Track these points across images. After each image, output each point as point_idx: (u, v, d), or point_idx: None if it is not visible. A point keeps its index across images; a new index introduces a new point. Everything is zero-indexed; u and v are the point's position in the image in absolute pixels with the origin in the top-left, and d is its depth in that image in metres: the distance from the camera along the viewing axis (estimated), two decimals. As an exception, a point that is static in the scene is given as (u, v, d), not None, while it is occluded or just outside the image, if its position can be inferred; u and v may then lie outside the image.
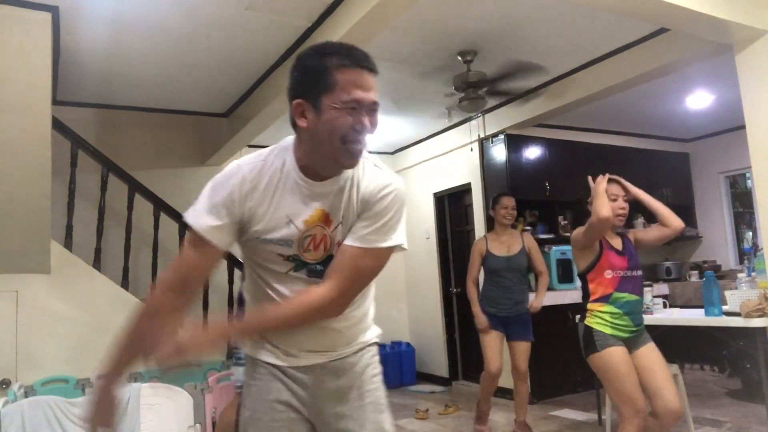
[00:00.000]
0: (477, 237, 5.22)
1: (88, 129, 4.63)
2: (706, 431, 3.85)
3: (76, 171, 4.15)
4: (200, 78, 4.25)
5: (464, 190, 5.93)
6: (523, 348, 3.91)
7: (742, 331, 3.22)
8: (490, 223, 4.16)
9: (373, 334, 1.52)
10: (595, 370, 2.64)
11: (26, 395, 3.56)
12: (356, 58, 1.25)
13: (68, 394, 3.62)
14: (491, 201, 4.10)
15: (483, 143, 5.61)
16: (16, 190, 3.50)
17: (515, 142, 5.43)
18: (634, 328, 2.63)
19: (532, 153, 5.59)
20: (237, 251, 1.43)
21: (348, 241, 1.32)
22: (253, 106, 4.49)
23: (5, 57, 3.08)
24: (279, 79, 3.98)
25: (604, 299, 2.63)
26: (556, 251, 5.37)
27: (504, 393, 4.70)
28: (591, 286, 2.68)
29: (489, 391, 3.91)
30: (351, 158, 1.28)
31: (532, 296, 4.11)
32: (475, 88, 4.15)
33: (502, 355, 3.87)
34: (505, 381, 4.08)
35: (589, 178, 2.72)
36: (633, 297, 2.64)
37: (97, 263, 4.18)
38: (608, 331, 2.58)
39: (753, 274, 3.63)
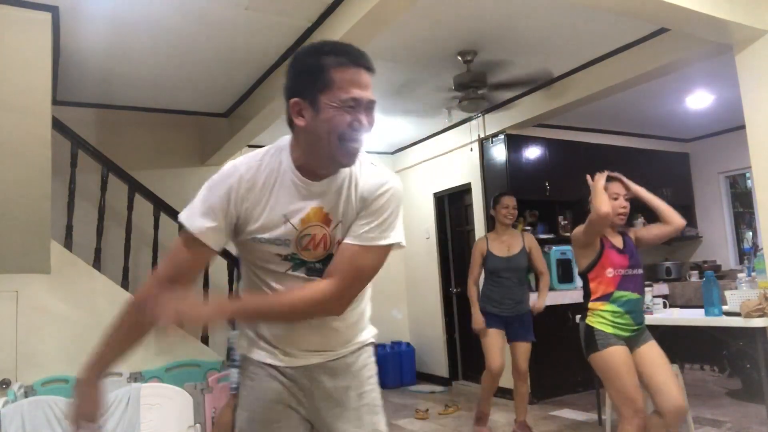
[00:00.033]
0: (477, 237, 5.22)
1: (88, 129, 4.63)
2: (706, 431, 3.86)
3: (76, 171, 4.16)
4: (200, 78, 4.25)
5: (464, 190, 5.93)
6: (524, 348, 3.91)
7: (742, 331, 3.22)
8: (491, 223, 4.16)
9: (369, 334, 1.52)
10: (595, 369, 2.64)
11: (26, 395, 3.56)
12: (353, 57, 1.26)
13: (68, 394, 3.62)
14: (492, 200, 4.09)
15: (483, 143, 5.61)
16: (16, 190, 3.50)
17: (515, 142, 5.43)
18: (636, 327, 2.62)
19: (532, 153, 5.59)
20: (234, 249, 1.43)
21: (347, 240, 1.32)
22: (253, 106, 4.49)
23: (5, 57, 3.08)
24: (279, 79, 3.95)
25: (606, 298, 2.63)
26: (556, 251, 5.37)
27: (504, 393, 4.70)
28: (592, 285, 2.68)
29: (490, 390, 3.90)
30: (349, 156, 1.28)
31: (532, 296, 4.11)
32: (475, 88, 4.15)
33: (504, 354, 3.86)
34: (505, 381, 4.07)
35: (588, 176, 2.72)
36: (634, 295, 2.64)
37: (97, 263, 4.19)
38: (609, 330, 2.58)
39: (753, 274, 3.63)
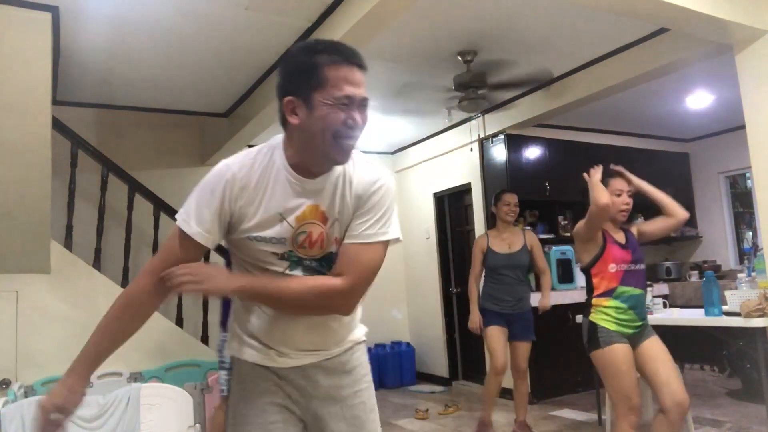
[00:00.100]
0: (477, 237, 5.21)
1: (88, 129, 4.63)
2: (706, 431, 3.85)
3: (76, 171, 4.15)
4: (200, 78, 4.25)
5: (464, 190, 5.93)
6: (525, 348, 3.91)
7: (742, 331, 3.22)
8: (492, 221, 4.15)
9: (361, 332, 1.53)
10: (595, 365, 2.65)
11: (26, 395, 3.57)
12: (346, 55, 1.27)
13: (68, 394, 3.62)
14: (493, 198, 4.09)
15: (483, 143, 5.61)
16: (16, 190, 3.50)
17: (515, 142, 5.43)
18: (639, 323, 2.62)
19: (532, 153, 5.59)
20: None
21: (348, 241, 1.33)
22: (253, 106, 4.49)
23: (5, 57, 3.08)
24: (279, 79, 3.97)
25: (609, 293, 2.62)
26: (556, 251, 5.37)
27: (504, 393, 4.70)
28: (595, 281, 2.68)
29: (494, 393, 3.85)
30: (343, 154, 1.29)
31: (534, 296, 4.11)
32: (475, 88, 4.15)
33: (506, 351, 3.85)
34: (505, 381, 4.07)
35: (585, 174, 2.72)
36: (637, 291, 2.64)
37: (97, 263, 4.19)
38: (613, 327, 2.58)
39: (753, 274, 3.64)
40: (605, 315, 2.61)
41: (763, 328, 3.09)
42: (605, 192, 2.59)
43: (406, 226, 6.64)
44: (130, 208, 4.40)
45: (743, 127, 3.39)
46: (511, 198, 3.98)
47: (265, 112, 4.20)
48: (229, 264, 3.18)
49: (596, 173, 2.68)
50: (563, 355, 4.99)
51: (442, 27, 3.58)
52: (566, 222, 5.82)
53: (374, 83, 4.46)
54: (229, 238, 1.36)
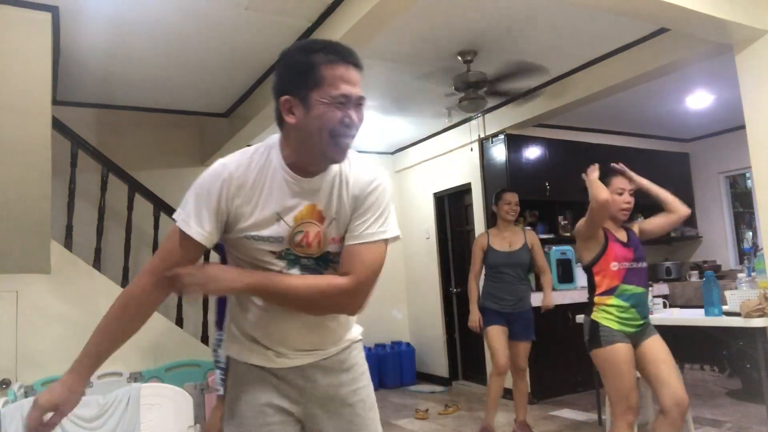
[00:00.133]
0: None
1: (88, 129, 4.63)
2: (706, 431, 3.86)
3: (76, 171, 4.16)
4: (200, 78, 4.25)
5: (464, 190, 5.94)
6: (525, 347, 3.91)
7: (742, 331, 3.22)
8: (493, 221, 4.15)
9: (357, 331, 1.53)
10: (596, 363, 2.65)
11: (26, 395, 3.57)
12: (343, 54, 1.27)
13: (68, 394, 3.62)
14: (494, 197, 4.09)
15: (483, 143, 5.62)
16: (16, 190, 3.50)
17: (515, 142, 5.43)
18: (641, 321, 2.62)
19: (532, 153, 5.59)
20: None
21: (350, 242, 1.34)
22: (253, 106, 4.49)
23: (5, 57, 3.08)
24: (279, 79, 3.97)
25: (611, 292, 2.62)
26: (556, 251, 5.37)
27: (504, 393, 4.69)
28: (597, 279, 2.68)
29: (496, 395, 3.82)
30: (340, 152, 1.30)
31: (535, 296, 4.10)
32: (475, 88, 4.15)
33: (507, 349, 3.84)
34: (506, 381, 4.07)
35: (583, 174, 2.72)
36: (639, 289, 2.64)
37: (97, 263, 4.19)
38: (615, 326, 2.58)
39: (753, 274, 3.64)
40: (607, 313, 2.60)
41: (763, 328, 3.09)
42: (604, 188, 2.60)
43: (406, 226, 6.64)
44: (130, 208, 4.40)
45: (743, 127, 3.39)
46: (512, 197, 3.98)
47: (265, 112, 4.20)
48: (224, 262, 3.17)
49: (593, 171, 2.68)
50: (563, 355, 4.99)
51: (442, 27, 3.58)
52: (566, 222, 5.82)
53: (374, 83, 4.46)
54: (226, 237, 1.36)
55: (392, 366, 6.16)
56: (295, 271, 1.35)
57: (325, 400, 1.42)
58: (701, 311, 3.50)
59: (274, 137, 1.38)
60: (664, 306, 4.03)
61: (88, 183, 4.43)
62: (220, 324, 3.30)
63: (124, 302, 1.33)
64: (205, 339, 4.44)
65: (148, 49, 3.70)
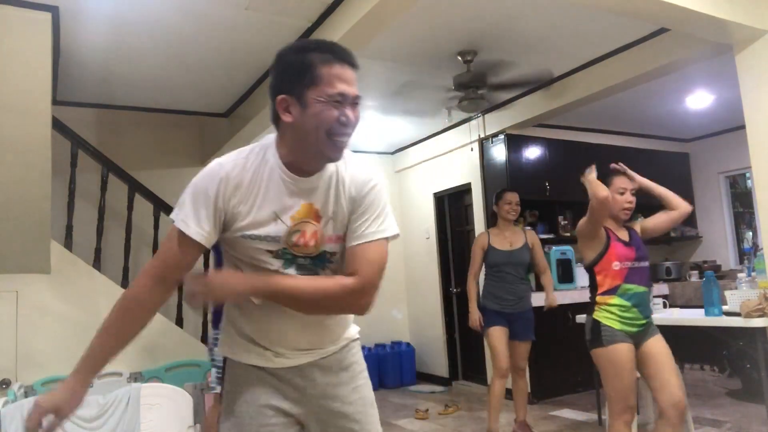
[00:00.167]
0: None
1: (88, 129, 4.63)
2: (706, 431, 3.86)
3: (76, 171, 4.16)
4: (200, 78, 4.25)
5: (464, 190, 5.94)
6: (525, 347, 3.90)
7: (742, 331, 3.22)
8: (493, 220, 4.14)
9: (354, 330, 1.53)
10: (596, 362, 2.64)
11: (26, 395, 3.57)
12: (338, 54, 1.28)
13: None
14: (494, 197, 4.08)
15: (483, 143, 5.62)
16: (16, 190, 3.50)
17: (515, 142, 5.43)
18: (643, 321, 2.61)
19: (532, 153, 5.59)
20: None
21: (353, 243, 1.34)
22: (253, 106, 4.50)
23: (5, 57, 3.08)
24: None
25: (613, 291, 2.62)
26: (556, 251, 5.37)
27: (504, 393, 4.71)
28: (598, 278, 2.67)
29: (499, 397, 3.77)
30: (336, 151, 1.30)
31: (536, 296, 4.10)
32: (475, 88, 4.15)
33: (508, 351, 3.82)
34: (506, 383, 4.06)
35: (581, 178, 2.71)
36: (641, 288, 2.63)
37: (97, 263, 4.19)
38: (617, 326, 2.57)
39: (753, 274, 3.63)
40: (609, 313, 2.60)
41: (763, 328, 3.08)
42: (603, 186, 2.59)
43: (406, 226, 6.64)
44: (130, 208, 4.40)
45: (743, 127, 3.39)
46: (513, 197, 3.97)
47: (265, 112, 4.20)
48: (219, 263, 3.17)
49: (591, 172, 2.67)
50: (563, 355, 4.99)
51: (442, 27, 3.58)
52: (566, 222, 5.82)
53: (374, 83, 4.46)
54: (223, 236, 1.36)
55: (392, 366, 6.16)
56: (292, 270, 1.35)
57: (325, 399, 1.42)
58: (701, 311, 3.50)
59: (270, 137, 1.38)
60: (664, 306, 4.03)
61: (88, 183, 4.43)
62: (216, 323, 3.31)
63: (124, 305, 1.32)
64: (205, 339, 4.44)
65: (148, 49, 3.70)
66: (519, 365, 3.89)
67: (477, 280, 4.03)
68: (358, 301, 1.32)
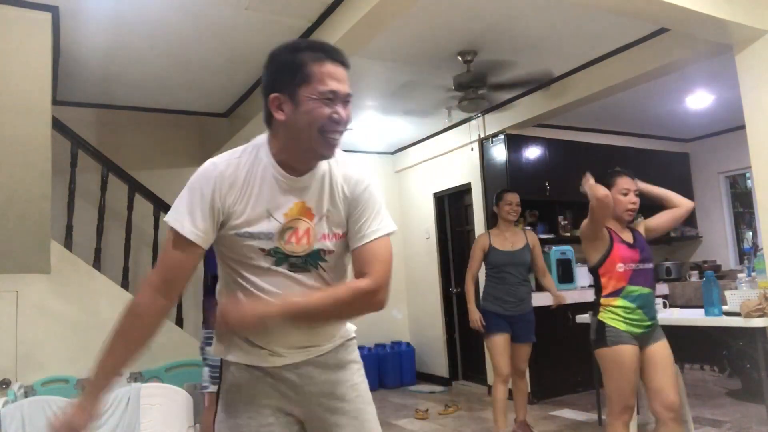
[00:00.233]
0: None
1: (88, 129, 4.63)
2: (706, 431, 3.86)
3: (76, 171, 4.16)
4: (200, 78, 4.25)
5: (464, 190, 5.94)
6: (526, 349, 3.88)
7: (742, 331, 3.22)
8: (493, 221, 4.13)
9: (351, 328, 1.54)
10: (600, 362, 2.64)
11: (26, 395, 3.57)
12: (329, 52, 1.31)
13: (68, 394, 3.63)
14: (495, 197, 4.06)
15: (483, 143, 5.62)
16: (16, 190, 3.50)
17: (515, 142, 5.43)
18: (648, 322, 2.61)
19: (532, 153, 5.59)
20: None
21: (358, 244, 1.36)
22: (253, 106, 4.49)
23: (5, 57, 3.09)
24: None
25: (617, 293, 2.61)
26: (556, 251, 5.37)
27: (504, 393, 4.71)
28: (603, 280, 2.66)
29: (503, 400, 3.75)
30: (329, 148, 1.32)
31: (536, 296, 4.09)
32: (475, 88, 4.14)
33: (510, 356, 3.80)
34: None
35: (581, 189, 2.68)
36: (646, 290, 2.63)
37: (97, 263, 4.19)
38: (622, 327, 2.57)
39: (753, 274, 3.63)
40: (614, 314, 2.59)
41: (763, 328, 3.08)
42: (602, 187, 2.58)
43: (406, 226, 6.64)
44: (130, 208, 4.40)
45: (743, 127, 3.39)
46: (513, 197, 3.96)
47: (265, 112, 4.20)
48: (213, 275, 3.15)
49: (588, 179, 2.65)
50: (563, 355, 4.99)
51: (442, 27, 3.58)
52: (566, 222, 5.82)
53: (374, 83, 4.46)
54: (217, 235, 1.37)
55: (392, 366, 6.16)
56: (284, 268, 1.35)
57: (322, 397, 1.42)
58: (701, 311, 3.50)
59: (262, 137, 1.40)
60: (664, 306, 4.03)
61: (88, 183, 4.43)
62: (206, 322, 3.33)
63: (130, 318, 1.31)
64: (205, 339, 4.44)
65: (148, 49, 3.70)
66: (520, 368, 3.87)
67: (475, 281, 4.02)
68: (373, 299, 1.33)
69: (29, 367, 3.81)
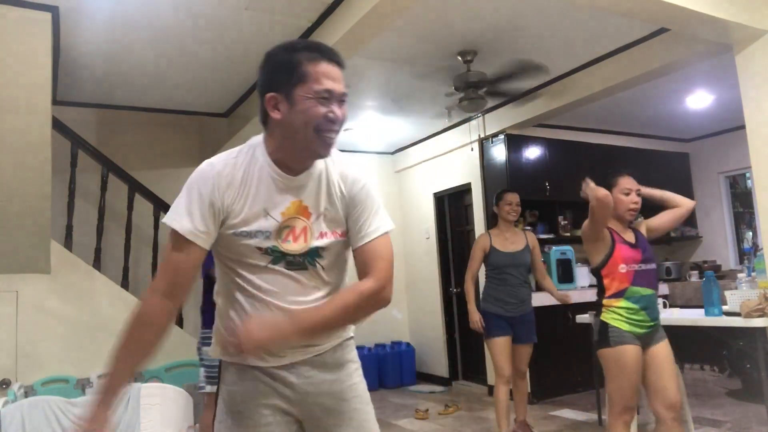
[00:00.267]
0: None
1: (88, 129, 4.63)
2: (706, 431, 3.86)
3: (76, 171, 4.16)
4: (200, 78, 4.25)
5: (464, 190, 5.94)
6: (527, 350, 3.87)
7: (742, 331, 3.22)
8: (493, 221, 4.12)
9: (349, 327, 1.54)
10: (602, 362, 2.63)
11: (26, 395, 3.57)
12: (325, 52, 1.32)
13: (68, 394, 3.63)
14: (495, 197, 4.05)
15: (483, 143, 5.62)
16: (16, 190, 3.50)
17: (515, 142, 5.43)
18: (651, 323, 2.60)
19: (532, 153, 5.59)
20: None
21: (359, 243, 1.38)
22: (253, 106, 4.49)
23: (5, 57, 3.09)
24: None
25: (620, 294, 2.61)
26: (556, 251, 5.37)
27: (504, 393, 4.71)
28: (606, 282, 2.66)
29: (505, 401, 3.73)
30: (325, 147, 1.33)
31: (536, 296, 4.08)
32: (475, 88, 4.15)
33: (511, 357, 3.79)
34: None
35: (582, 193, 2.67)
36: (648, 291, 2.62)
37: (97, 263, 4.19)
38: (625, 327, 2.57)
39: (753, 274, 3.63)
40: (617, 315, 2.59)
41: (763, 328, 3.08)
42: (601, 188, 2.58)
43: (406, 226, 6.64)
44: (130, 208, 4.40)
45: (743, 127, 3.39)
46: (513, 197, 3.94)
47: (265, 112, 4.20)
48: (206, 275, 3.14)
49: (588, 183, 2.64)
50: (563, 355, 5.00)
51: (442, 27, 3.58)
52: (566, 222, 5.82)
53: (374, 83, 4.47)
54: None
55: (392, 366, 6.16)
56: (281, 266, 1.36)
57: (320, 396, 1.42)
58: (701, 311, 3.50)
59: (258, 137, 1.41)
60: (664, 306, 4.02)
61: (88, 183, 4.43)
62: (205, 322, 3.33)
63: (139, 325, 1.31)
64: (205, 339, 4.44)
65: (148, 49, 3.70)
66: (521, 369, 3.85)
67: (475, 281, 4.01)
68: (381, 298, 1.36)
69: (29, 367, 3.81)
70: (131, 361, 1.32)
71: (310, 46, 1.33)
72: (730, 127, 6.24)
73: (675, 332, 3.40)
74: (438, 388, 5.92)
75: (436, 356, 6.28)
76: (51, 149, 3.46)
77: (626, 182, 2.70)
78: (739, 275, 3.83)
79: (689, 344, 3.63)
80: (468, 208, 5.99)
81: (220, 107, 4.96)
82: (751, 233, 6.51)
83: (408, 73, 4.29)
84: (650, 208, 2.95)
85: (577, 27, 3.70)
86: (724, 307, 3.42)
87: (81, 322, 3.96)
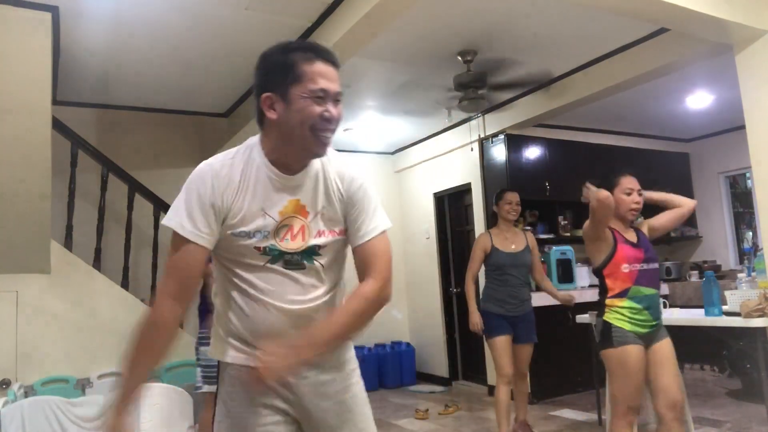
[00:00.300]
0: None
1: (88, 129, 4.63)
2: (706, 431, 3.86)
3: (76, 171, 4.16)
4: (200, 78, 4.25)
5: (464, 190, 5.94)
6: (527, 350, 3.86)
7: (742, 331, 3.22)
8: (493, 220, 4.11)
9: None
10: (606, 363, 2.63)
11: (26, 395, 3.57)
12: (320, 52, 1.33)
13: (68, 394, 3.63)
14: (495, 197, 4.04)
15: (483, 143, 5.62)
16: (16, 190, 3.50)
17: (515, 142, 5.43)
18: (654, 323, 2.60)
19: (532, 153, 5.59)
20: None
21: (359, 242, 1.40)
22: (253, 106, 4.48)
23: (5, 57, 3.09)
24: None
25: (623, 294, 2.60)
26: (556, 251, 5.37)
27: (504, 393, 4.70)
28: (608, 282, 2.65)
29: (506, 401, 3.71)
30: (321, 146, 1.34)
31: (536, 296, 4.08)
32: (475, 88, 4.14)
33: (512, 357, 3.79)
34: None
35: (582, 198, 2.67)
36: (651, 290, 2.62)
37: (97, 263, 4.19)
38: (627, 327, 2.56)
39: (753, 274, 3.63)
40: (620, 315, 2.58)
41: (763, 328, 3.08)
42: (602, 190, 2.58)
43: (406, 226, 6.64)
44: (130, 208, 4.40)
45: (743, 127, 3.39)
46: (513, 197, 3.93)
47: (265, 112, 4.20)
48: (205, 306, 3.14)
49: (589, 188, 2.64)
50: (563, 355, 4.99)
51: (442, 27, 3.58)
52: (566, 222, 5.82)
53: (374, 83, 4.46)
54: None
55: (392, 366, 6.15)
56: (279, 265, 1.37)
57: (317, 397, 1.43)
58: (701, 311, 3.50)
59: (254, 138, 1.42)
60: (664, 306, 4.01)
61: (88, 183, 4.43)
62: (202, 322, 3.33)
63: (152, 331, 1.31)
64: (205, 339, 4.44)
65: (148, 49, 3.70)
66: (521, 370, 3.84)
67: (475, 280, 4.01)
68: (383, 296, 1.39)
69: (29, 367, 3.81)
70: (145, 367, 1.33)
71: (304, 46, 1.34)
72: (730, 127, 6.23)
73: (675, 332, 3.39)
74: (438, 388, 5.92)
75: (436, 356, 6.28)
76: (51, 149, 3.46)
77: (628, 182, 2.70)
78: (739, 275, 3.83)
79: (689, 344, 3.63)
80: (468, 208, 5.98)
81: (220, 107, 4.96)
82: (751, 233, 6.51)
83: (408, 73, 4.29)
84: (651, 208, 2.95)
85: (577, 27, 3.70)
86: (724, 307, 3.42)
87: (81, 322, 3.96)
